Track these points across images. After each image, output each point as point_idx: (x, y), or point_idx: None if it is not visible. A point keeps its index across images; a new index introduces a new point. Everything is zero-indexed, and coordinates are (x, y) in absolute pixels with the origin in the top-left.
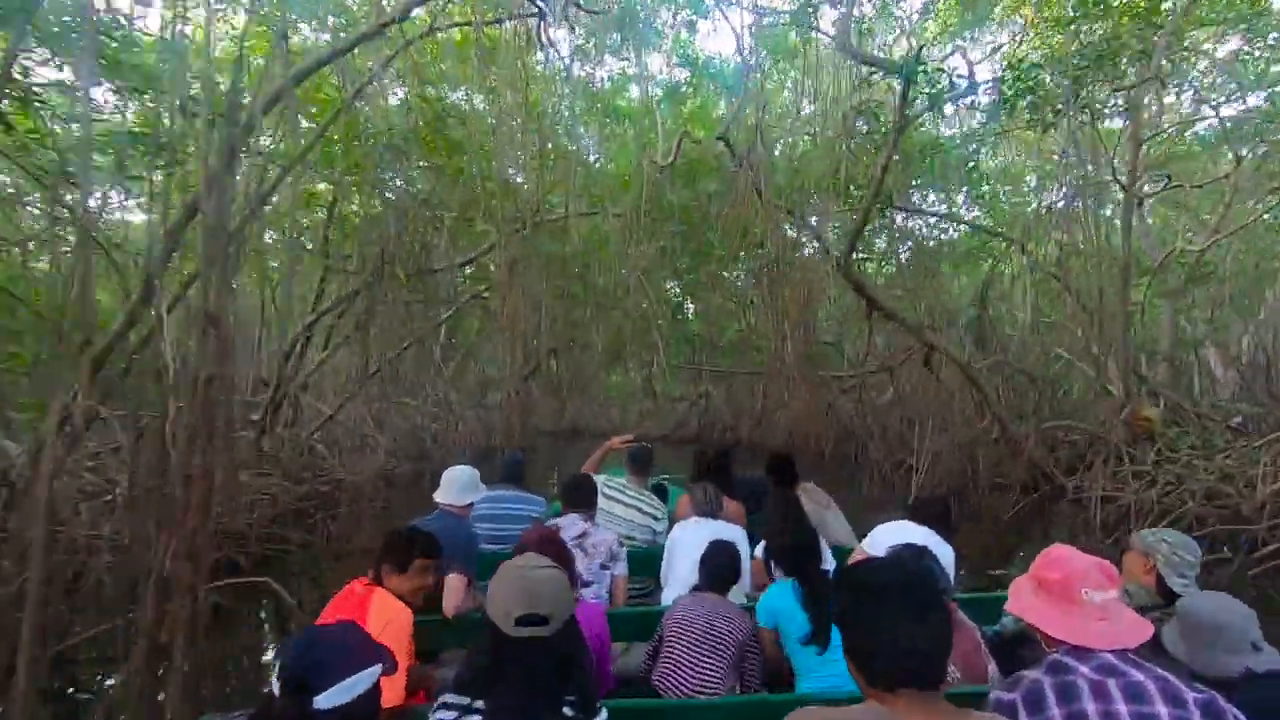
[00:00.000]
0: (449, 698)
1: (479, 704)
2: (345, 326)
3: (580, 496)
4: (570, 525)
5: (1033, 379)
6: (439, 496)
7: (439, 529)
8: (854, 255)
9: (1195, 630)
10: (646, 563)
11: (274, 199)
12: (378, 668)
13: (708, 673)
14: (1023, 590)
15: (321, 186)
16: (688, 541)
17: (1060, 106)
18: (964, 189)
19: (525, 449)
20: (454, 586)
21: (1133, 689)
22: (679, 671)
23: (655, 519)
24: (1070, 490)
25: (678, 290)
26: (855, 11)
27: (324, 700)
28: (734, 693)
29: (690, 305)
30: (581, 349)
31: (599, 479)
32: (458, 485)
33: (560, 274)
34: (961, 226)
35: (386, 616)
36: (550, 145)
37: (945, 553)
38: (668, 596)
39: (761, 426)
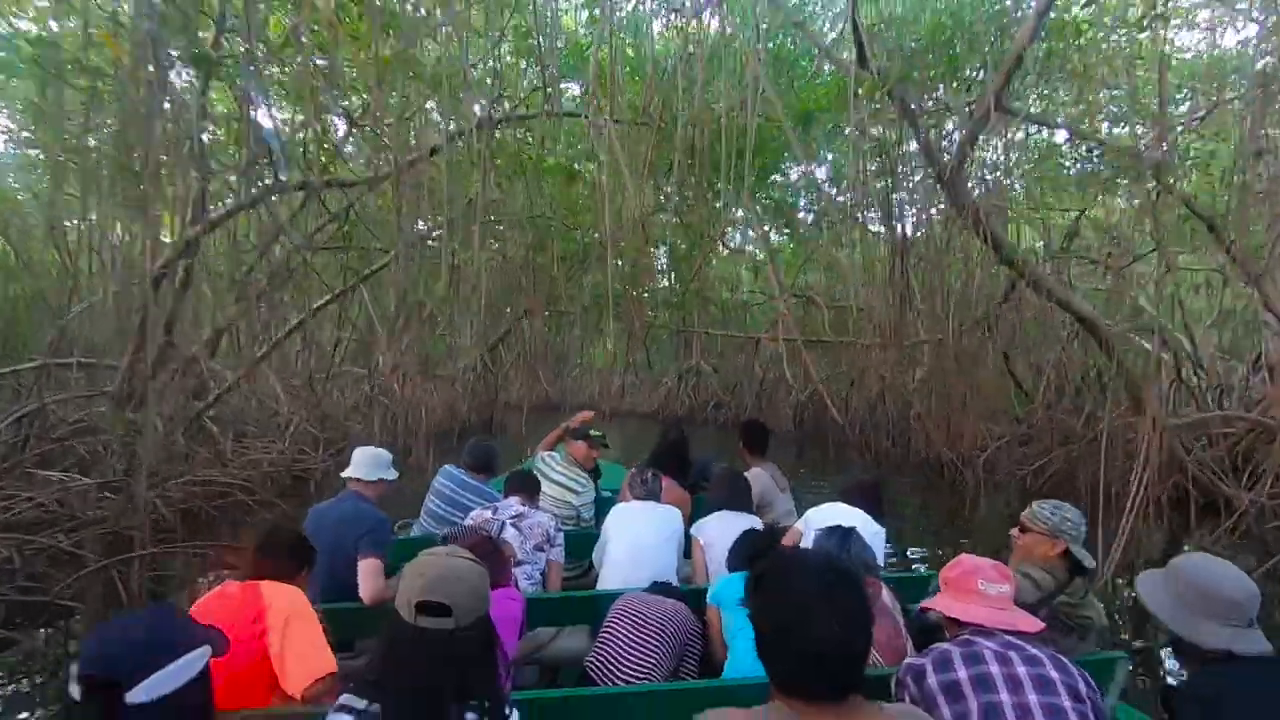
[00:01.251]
0: (346, 698)
1: (374, 707)
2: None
3: (525, 487)
4: (507, 506)
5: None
6: (348, 472)
7: (344, 512)
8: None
9: (1190, 591)
10: (583, 545)
11: None
12: (204, 650)
13: (643, 661)
14: (933, 599)
15: None
16: (622, 525)
17: None
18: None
19: (493, 430)
20: (369, 570)
21: (1031, 658)
22: (616, 660)
23: (576, 493)
24: (1240, 503)
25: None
26: None
27: (140, 694)
28: (669, 679)
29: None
30: (559, 313)
31: (541, 455)
32: (367, 462)
33: (536, 209)
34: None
35: (285, 605)
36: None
37: (875, 531)
38: (602, 580)
39: (767, 404)
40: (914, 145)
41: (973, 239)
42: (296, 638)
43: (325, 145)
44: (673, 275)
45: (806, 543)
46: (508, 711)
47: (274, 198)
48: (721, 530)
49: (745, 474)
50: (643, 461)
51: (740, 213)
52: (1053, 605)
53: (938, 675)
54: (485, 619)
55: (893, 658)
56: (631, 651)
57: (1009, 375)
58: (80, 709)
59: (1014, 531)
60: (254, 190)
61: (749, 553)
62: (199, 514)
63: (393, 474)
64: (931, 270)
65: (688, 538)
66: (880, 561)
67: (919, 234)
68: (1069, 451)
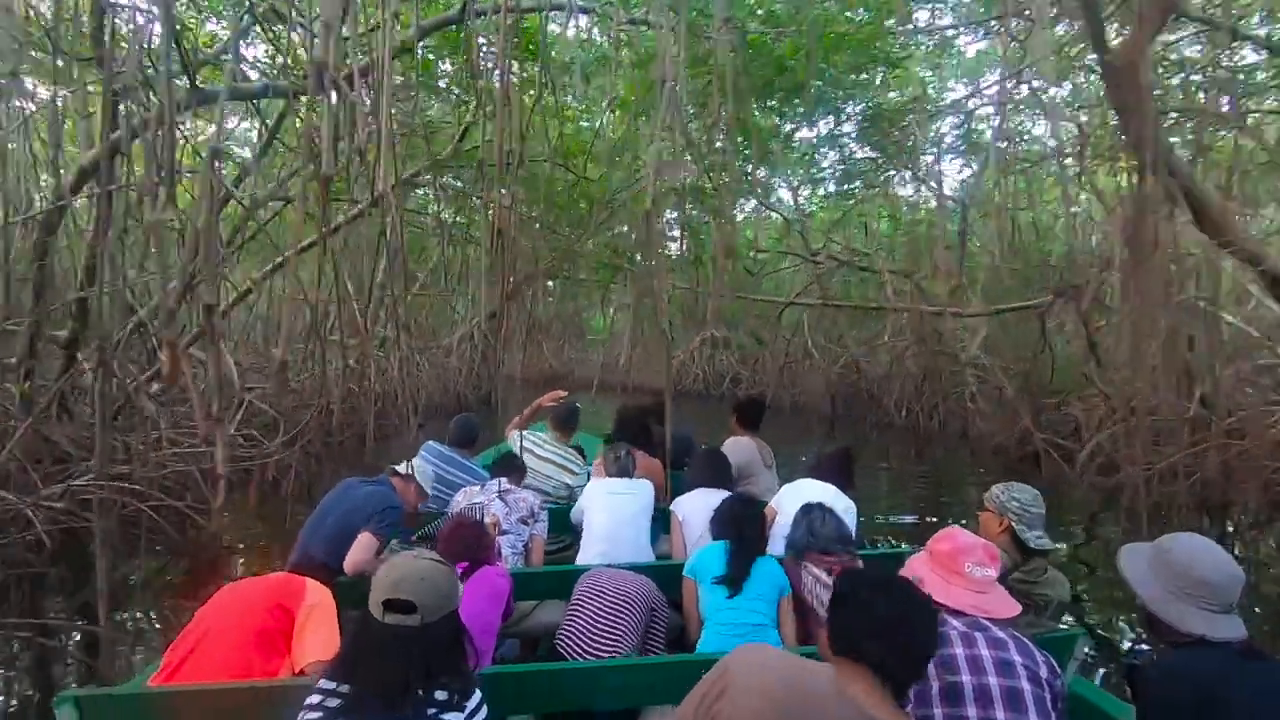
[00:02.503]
0: (322, 682)
1: (343, 688)
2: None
3: (511, 469)
4: (494, 483)
5: None
6: (400, 467)
7: (363, 494)
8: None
9: (1171, 570)
10: (565, 520)
11: None
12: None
13: (611, 635)
14: (916, 559)
15: None
16: (598, 502)
17: None
18: None
19: (494, 407)
20: (361, 544)
21: (995, 641)
22: (584, 635)
23: (573, 473)
24: None
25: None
26: None
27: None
28: (635, 653)
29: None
30: (564, 278)
31: (522, 433)
32: (415, 467)
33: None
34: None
35: (321, 596)
36: None
37: (845, 505)
38: (581, 556)
39: (793, 379)
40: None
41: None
42: (315, 624)
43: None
44: (683, 235)
45: (783, 520)
46: (475, 694)
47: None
48: (699, 506)
49: (728, 442)
50: (607, 435)
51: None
52: (1007, 582)
53: None
54: (452, 615)
55: None
56: (598, 625)
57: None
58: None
59: (979, 511)
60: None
61: (730, 517)
62: (80, 533)
63: (429, 481)
64: (1002, 223)
65: (664, 511)
66: (853, 529)
67: (981, 183)
68: (1227, 450)
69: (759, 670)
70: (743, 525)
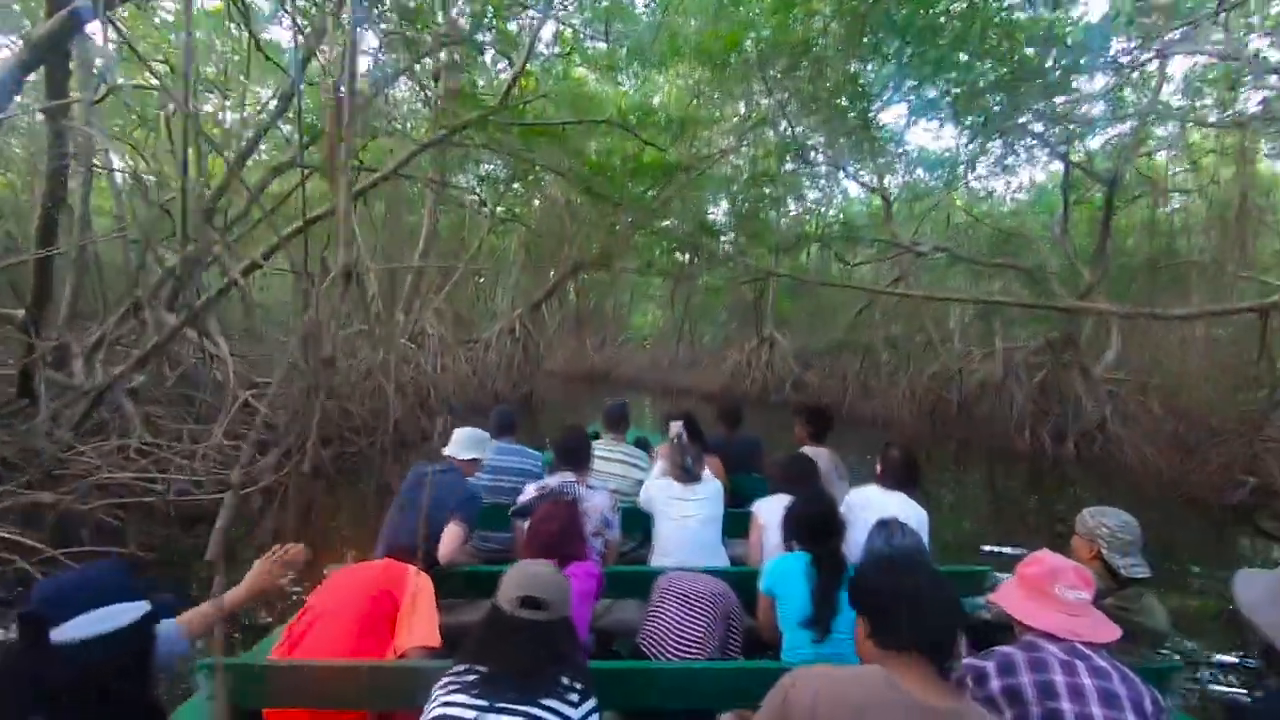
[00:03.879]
0: (455, 666)
1: (480, 667)
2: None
3: (575, 456)
4: (561, 489)
5: None
6: (448, 450)
7: (442, 480)
8: None
9: None
10: (638, 520)
11: None
12: (139, 605)
13: (691, 638)
14: (1005, 585)
15: None
16: (669, 507)
17: None
18: None
19: (532, 406)
20: (452, 534)
21: (1097, 670)
22: (666, 636)
23: (641, 469)
24: None
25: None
26: None
27: (64, 632)
28: (716, 658)
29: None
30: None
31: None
32: (464, 441)
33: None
34: None
35: (423, 584)
36: None
37: (919, 517)
38: (655, 560)
39: (870, 384)
40: None
41: None
42: (420, 610)
43: None
44: (740, 222)
45: (853, 533)
46: (592, 695)
47: None
48: (781, 510)
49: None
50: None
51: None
52: (1101, 606)
53: (1000, 679)
54: (568, 619)
55: None
56: (680, 628)
57: None
58: (11, 647)
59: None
60: None
61: (808, 526)
62: None
63: (484, 451)
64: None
65: (731, 513)
66: (926, 541)
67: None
68: None
69: (825, 680)
70: (825, 539)
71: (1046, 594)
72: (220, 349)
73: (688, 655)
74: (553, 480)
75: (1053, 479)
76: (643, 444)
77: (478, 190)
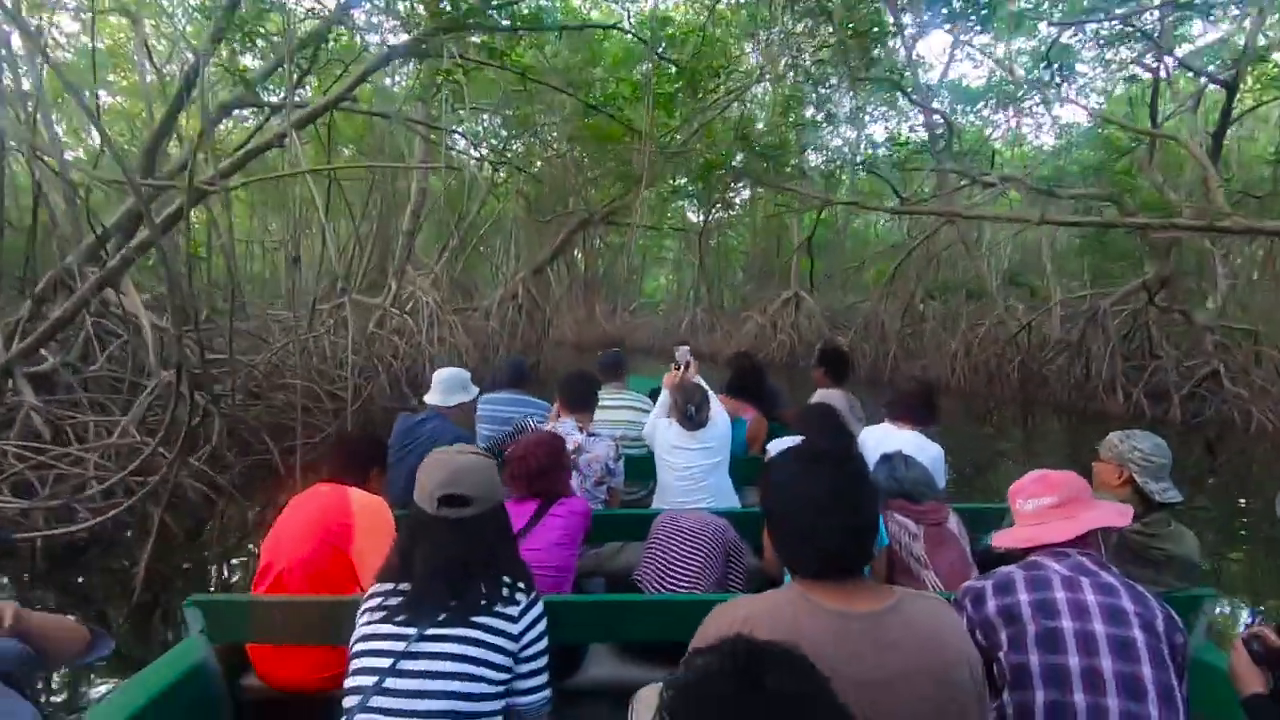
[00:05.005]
0: (376, 586)
1: (403, 586)
2: None
3: (579, 396)
4: (566, 435)
5: None
6: (428, 398)
7: (430, 429)
8: None
9: None
10: (644, 468)
11: None
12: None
13: (687, 572)
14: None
15: None
16: (672, 452)
17: None
18: None
19: (537, 369)
20: None
21: (1104, 586)
22: (662, 571)
23: (645, 412)
24: None
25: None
26: None
27: None
28: (713, 590)
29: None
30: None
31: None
32: (443, 386)
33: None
34: None
35: (371, 510)
36: None
37: (932, 453)
38: (659, 503)
39: (905, 349)
40: None
41: None
42: (378, 544)
43: None
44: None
45: None
46: (530, 587)
47: None
48: None
49: (816, 395)
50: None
51: None
52: (1122, 534)
53: (996, 599)
54: (500, 507)
55: (956, 587)
56: (676, 562)
57: None
58: None
59: (1094, 462)
60: None
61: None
62: None
63: (471, 394)
64: None
65: (750, 458)
66: (941, 483)
67: None
68: None
69: (744, 611)
70: None
71: (1016, 513)
72: (141, 318)
73: (683, 589)
74: (558, 426)
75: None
76: (656, 395)
77: (475, 146)
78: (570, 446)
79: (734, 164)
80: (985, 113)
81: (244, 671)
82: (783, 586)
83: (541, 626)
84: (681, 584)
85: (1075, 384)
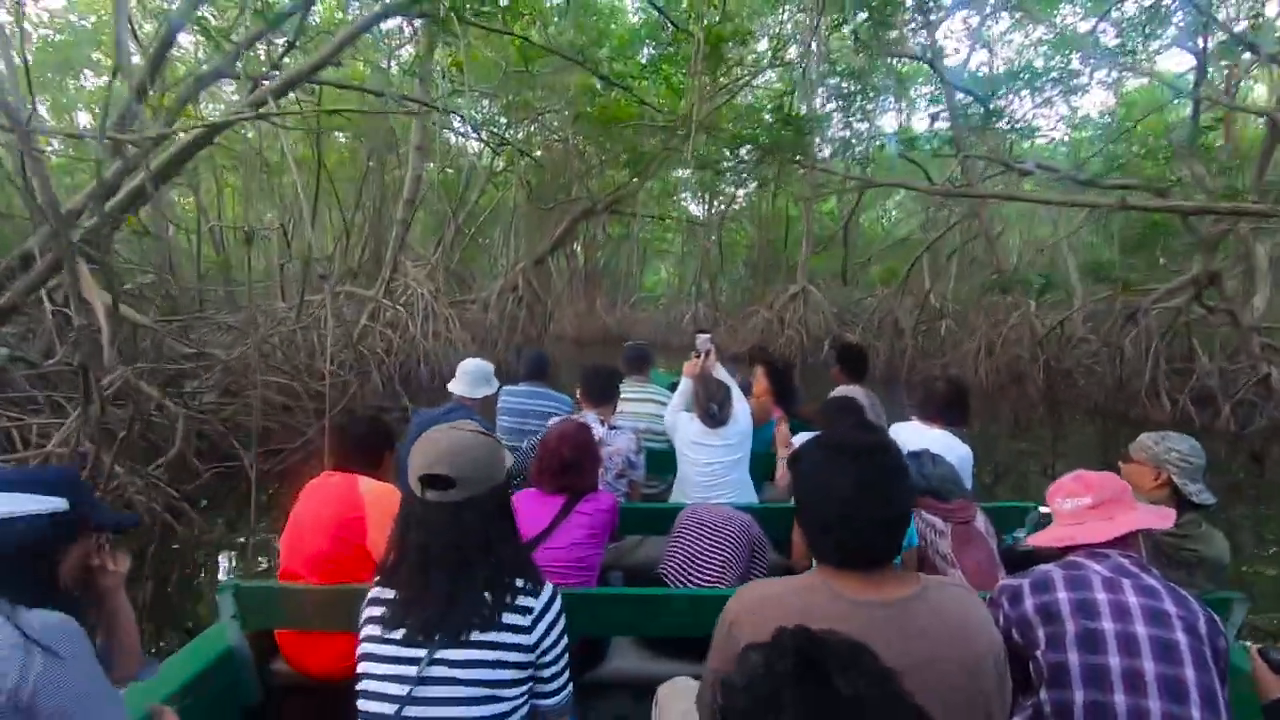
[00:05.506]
0: (375, 591)
1: (396, 596)
2: None
3: (600, 389)
4: (588, 416)
5: None
6: (452, 387)
7: (455, 422)
8: None
9: None
10: (665, 462)
11: None
12: (55, 502)
13: (712, 566)
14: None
15: None
16: (693, 449)
17: None
18: None
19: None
20: None
21: (1145, 589)
22: (686, 565)
23: (664, 405)
24: None
25: None
26: None
27: None
28: (736, 584)
29: None
30: (622, 216)
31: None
32: (469, 378)
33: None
34: None
35: (382, 500)
36: None
37: (961, 454)
38: (679, 497)
39: (935, 352)
40: None
41: None
42: (385, 532)
43: None
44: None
45: None
46: (547, 586)
47: None
48: None
49: (837, 392)
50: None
51: None
52: (1154, 536)
53: (1035, 597)
54: (499, 489)
55: (983, 586)
56: (700, 557)
57: None
58: None
59: (1120, 462)
60: None
61: None
62: None
63: (494, 387)
64: None
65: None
66: (969, 483)
67: None
68: None
69: (761, 603)
70: None
71: (1055, 512)
72: (96, 305)
73: (707, 583)
74: (588, 418)
75: (1219, 463)
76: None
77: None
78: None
79: (765, 139)
80: (1002, 103)
81: (273, 657)
82: (808, 572)
83: (560, 628)
84: (707, 578)
85: (1112, 387)
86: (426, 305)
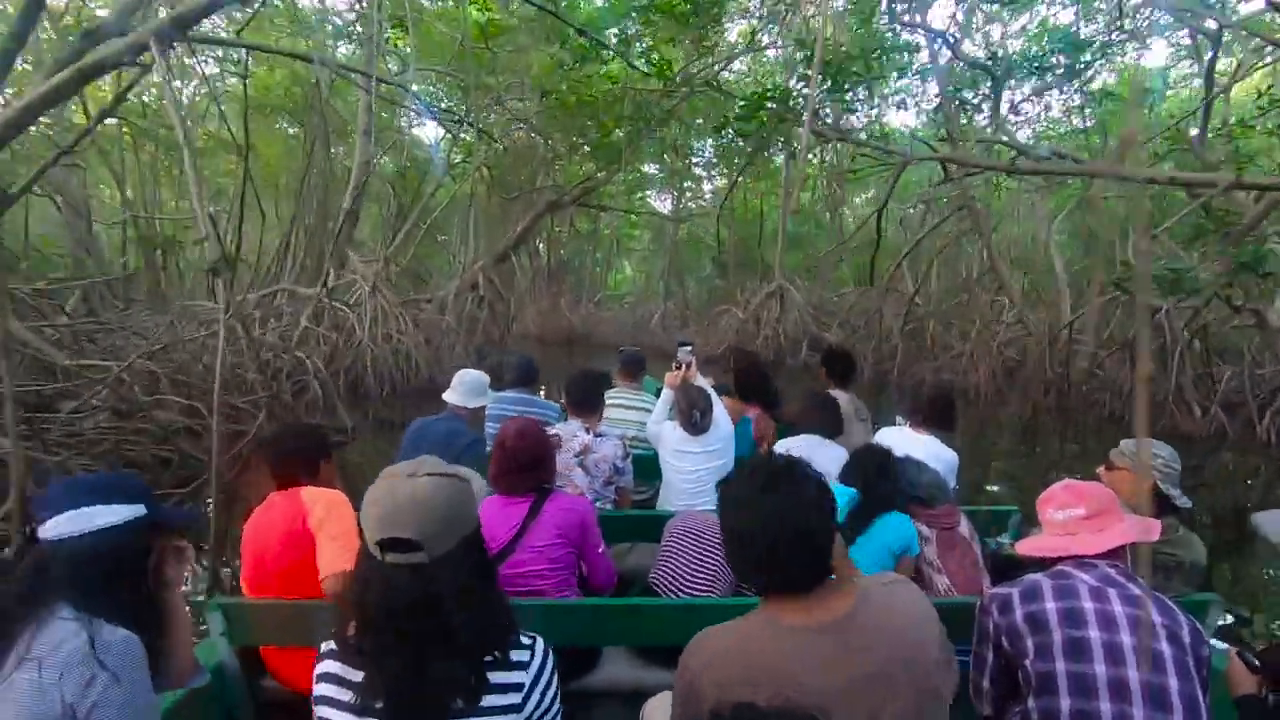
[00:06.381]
0: (335, 667)
1: (357, 677)
2: None
3: (586, 397)
4: (572, 437)
5: None
6: (448, 396)
7: (444, 430)
8: None
9: None
10: (652, 468)
11: None
12: (134, 508)
13: (704, 576)
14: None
15: None
16: (677, 457)
17: None
18: None
19: (499, 368)
20: None
21: (1130, 598)
22: (678, 575)
23: (650, 412)
24: None
25: None
26: None
27: (48, 530)
28: (727, 594)
29: None
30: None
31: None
32: (465, 387)
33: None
34: None
35: (323, 503)
36: None
37: (947, 459)
38: (665, 505)
39: (921, 356)
40: None
41: None
42: (328, 536)
43: None
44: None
45: None
46: (538, 644)
47: None
48: (806, 455)
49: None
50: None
51: None
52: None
53: (1024, 606)
54: (471, 540)
55: (967, 591)
56: (692, 566)
57: None
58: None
59: (1100, 470)
60: None
61: (858, 467)
62: None
63: (489, 398)
64: None
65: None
66: (953, 487)
67: None
68: None
69: (712, 640)
70: (870, 475)
71: (1045, 522)
72: None
73: (698, 593)
74: (563, 431)
75: (1259, 481)
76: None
77: (428, 110)
78: (578, 448)
79: (793, 100)
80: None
81: (261, 673)
82: (753, 611)
83: (553, 691)
84: (698, 588)
85: (1130, 394)
86: (376, 305)
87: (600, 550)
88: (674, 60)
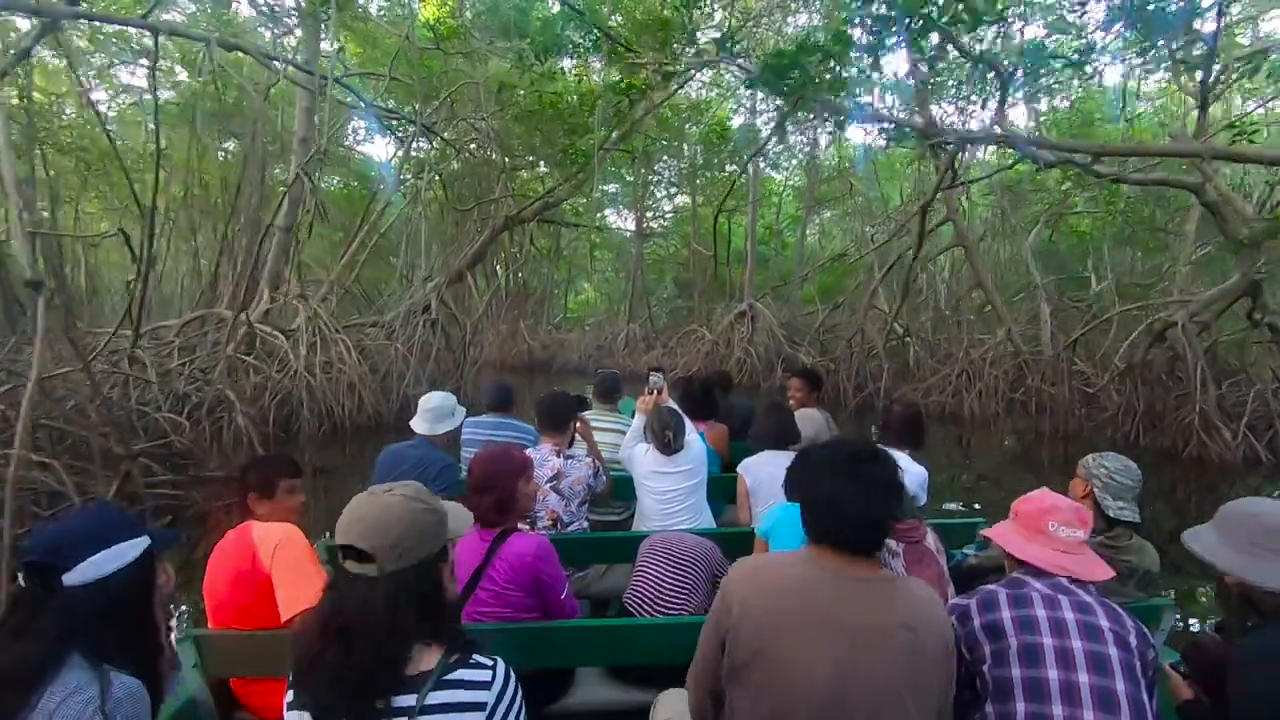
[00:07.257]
0: (294, 693)
1: (301, 698)
2: None
3: (554, 418)
4: (544, 462)
5: None
6: (415, 424)
7: (416, 457)
8: None
9: (1259, 532)
10: (627, 491)
11: None
12: (140, 540)
13: (676, 594)
14: (1002, 523)
15: None
16: (649, 478)
17: None
18: None
19: (458, 397)
20: None
21: (1081, 605)
22: (651, 594)
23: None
24: None
25: None
26: None
27: (76, 575)
28: (700, 613)
29: None
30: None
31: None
32: (432, 414)
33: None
34: None
35: (273, 541)
36: None
37: (917, 473)
38: (640, 525)
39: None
40: None
41: None
42: (282, 573)
43: None
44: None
45: None
46: (487, 665)
47: None
48: (768, 470)
49: (796, 414)
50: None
51: None
52: (1090, 545)
53: (981, 615)
54: (427, 565)
55: None
56: (664, 585)
57: None
58: (21, 594)
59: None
60: None
61: None
62: None
63: (459, 419)
64: None
65: (725, 479)
66: (923, 502)
67: None
68: None
69: (752, 574)
70: None
71: (1041, 530)
72: None
73: (672, 612)
74: (535, 455)
75: None
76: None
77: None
78: (550, 473)
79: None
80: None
81: (234, 706)
82: (798, 550)
83: (515, 714)
84: (672, 607)
85: (1144, 417)
86: (316, 330)
87: (563, 595)
88: (635, 82)
